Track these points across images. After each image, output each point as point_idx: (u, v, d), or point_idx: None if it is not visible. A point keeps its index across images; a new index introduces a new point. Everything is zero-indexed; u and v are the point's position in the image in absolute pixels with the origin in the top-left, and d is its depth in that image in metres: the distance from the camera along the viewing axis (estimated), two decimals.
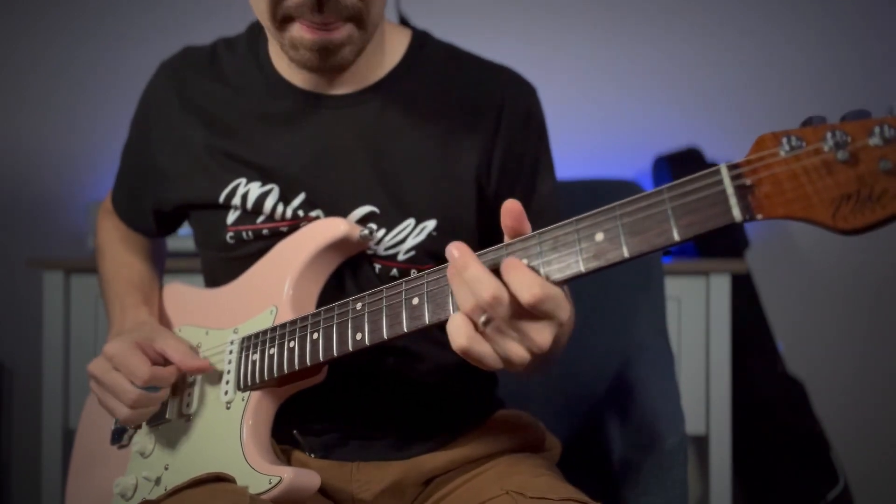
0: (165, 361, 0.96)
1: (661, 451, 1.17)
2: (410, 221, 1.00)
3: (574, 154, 2.31)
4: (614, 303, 1.46)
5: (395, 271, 1.01)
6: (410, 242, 1.00)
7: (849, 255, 2.35)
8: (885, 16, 2.35)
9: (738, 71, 2.39)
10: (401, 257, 1.00)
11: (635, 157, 2.36)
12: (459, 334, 0.69)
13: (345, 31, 0.92)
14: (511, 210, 0.72)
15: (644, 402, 1.28)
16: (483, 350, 0.69)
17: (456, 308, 0.72)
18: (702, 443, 2.07)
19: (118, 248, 1.20)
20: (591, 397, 1.43)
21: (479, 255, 0.75)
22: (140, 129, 1.14)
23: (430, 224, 1.00)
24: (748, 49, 2.39)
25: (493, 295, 0.66)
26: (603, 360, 1.43)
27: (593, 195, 1.40)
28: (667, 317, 1.46)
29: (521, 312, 0.68)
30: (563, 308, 0.68)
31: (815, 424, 2.11)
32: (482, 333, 0.69)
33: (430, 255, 1.01)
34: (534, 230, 0.72)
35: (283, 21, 0.91)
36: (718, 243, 2.15)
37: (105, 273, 1.18)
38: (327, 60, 0.94)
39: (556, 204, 1.09)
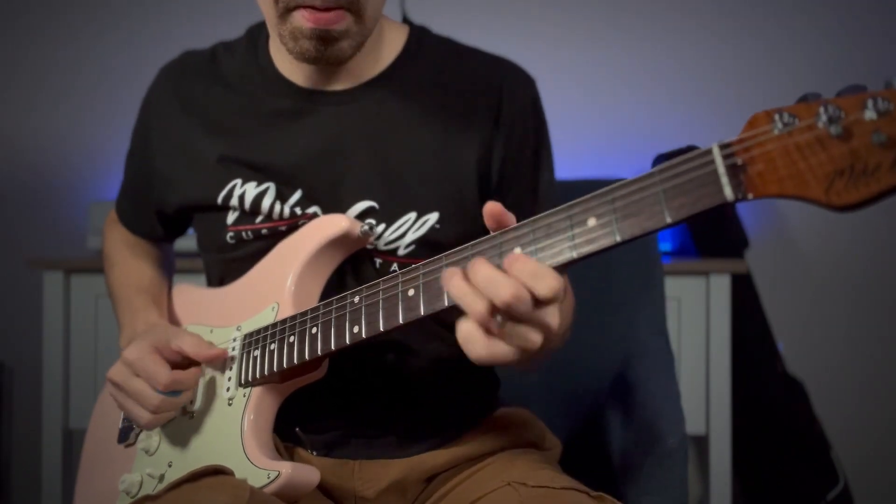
0: (184, 360, 0.97)
1: (662, 451, 1.16)
2: (412, 215, 1.00)
3: (574, 154, 2.31)
4: (614, 303, 1.45)
5: (395, 266, 1.00)
6: (411, 237, 1.00)
7: (849, 255, 2.35)
8: (887, 15, 2.35)
9: (739, 70, 2.39)
10: (401, 252, 1.00)
11: (635, 157, 2.36)
12: (476, 345, 0.67)
13: (343, 22, 0.92)
14: (492, 212, 0.72)
15: (644, 402, 1.27)
16: (501, 352, 0.67)
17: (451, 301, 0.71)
18: (702, 443, 2.06)
19: (125, 255, 1.20)
20: (591, 397, 1.43)
21: (470, 246, 0.76)
22: (141, 135, 1.15)
23: (433, 217, 1.00)
24: (748, 48, 2.39)
25: (514, 294, 0.64)
26: (603, 360, 1.43)
27: None
28: (667, 317, 1.46)
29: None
30: (564, 290, 0.70)
31: (815, 424, 2.11)
32: (496, 334, 0.67)
33: (432, 247, 1.00)
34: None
35: (285, 11, 0.93)
36: (718, 243, 2.15)
37: (113, 280, 1.18)
38: (325, 51, 0.94)
39: (556, 193, 1.09)
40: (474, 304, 0.66)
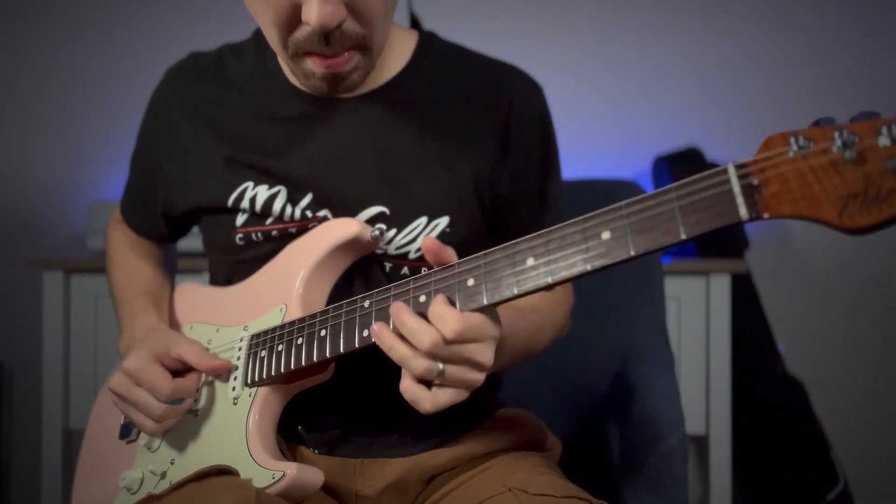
0: (184, 366, 0.97)
1: (662, 451, 1.17)
2: (422, 220, 1.00)
3: (574, 154, 2.31)
4: (614, 303, 1.46)
5: (405, 270, 1.01)
6: (422, 241, 1.00)
7: (849, 256, 2.36)
8: (888, 16, 2.36)
9: (739, 71, 2.39)
10: (412, 255, 1.01)
11: (635, 157, 2.37)
12: (422, 402, 0.79)
13: (352, 61, 0.93)
14: (430, 248, 0.80)
15: (644, 403, 1.28)
16: (447, 399, 0.78)
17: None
18: (702, 443, 2.07)
19: (127, 255, 1.20)
20: (591, 397, 1.44)
21: (482, 255, 0.77)
22: (147, 136, 1.15)
23: (444, 221, 1.01)
24: (748, 49, 2.39)
25: (432, 342, 0.75)
26: (603, 360, 1.43)
27: (593, 195, 1.40)
28: (667, 317, 1.47)
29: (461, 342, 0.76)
30: (489, 329, 0.78)
31: (815, 424, 2.12)
32: (440, 382, 0.78)
33: None
34: (543, 227, 0.73)
35: (294, 55, 0.93)
36: (718, 243, 2.15)
37: (114, 280, 1.18)
38: (337, 87, 0.96)
39: (563, 201, 1.10)
40: (414, 365, 0.77)
